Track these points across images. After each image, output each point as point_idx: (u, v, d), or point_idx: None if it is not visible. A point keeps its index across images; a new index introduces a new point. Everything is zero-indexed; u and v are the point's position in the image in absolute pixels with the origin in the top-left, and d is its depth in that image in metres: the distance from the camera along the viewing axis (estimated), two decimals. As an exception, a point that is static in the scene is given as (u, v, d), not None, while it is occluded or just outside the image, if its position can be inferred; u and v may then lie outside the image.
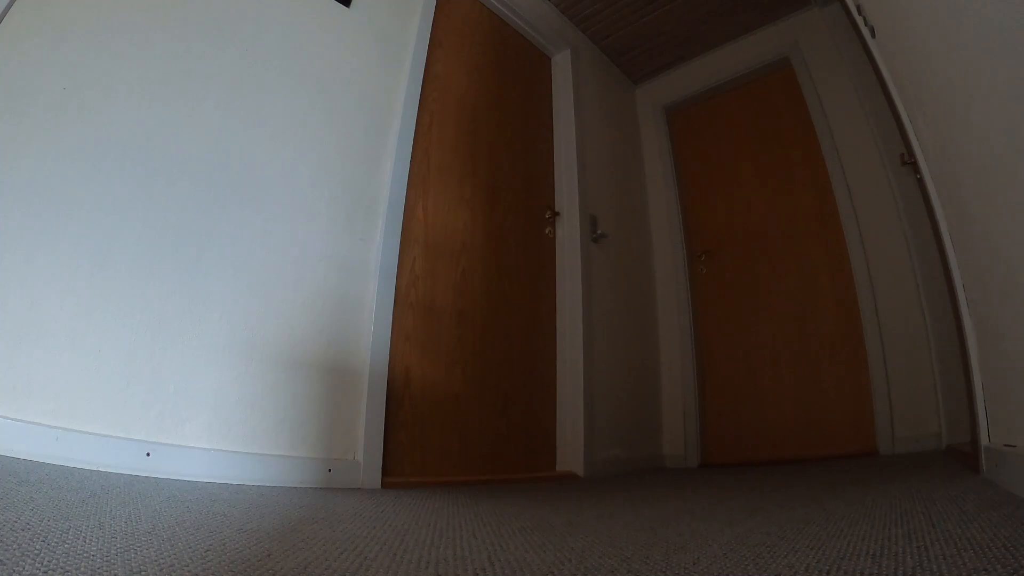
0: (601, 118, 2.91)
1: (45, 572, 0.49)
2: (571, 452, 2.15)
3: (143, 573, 0.52)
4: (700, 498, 1.29)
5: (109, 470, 1.04)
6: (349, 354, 1.52)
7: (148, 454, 1.11)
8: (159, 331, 1.20)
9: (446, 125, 2.09)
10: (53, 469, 0.95)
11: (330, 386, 1.46)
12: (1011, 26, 0.75)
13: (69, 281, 1.11)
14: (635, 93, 3.39)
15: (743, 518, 0.93)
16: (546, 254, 2.46)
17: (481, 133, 2.25)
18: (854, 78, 2.48)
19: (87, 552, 0.56)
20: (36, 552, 0.54)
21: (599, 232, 2.57)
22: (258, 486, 1.21)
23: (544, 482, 1.84)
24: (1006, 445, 1.01)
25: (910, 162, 1.47)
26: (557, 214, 2.54)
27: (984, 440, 1.14)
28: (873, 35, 1.56)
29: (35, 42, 1.16)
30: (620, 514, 1.05)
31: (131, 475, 1.05)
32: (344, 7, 1.78)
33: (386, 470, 1.53)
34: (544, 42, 2.77)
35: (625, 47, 3.11)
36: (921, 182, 1.41)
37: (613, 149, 2.95)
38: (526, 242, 2.36)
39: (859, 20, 1.63)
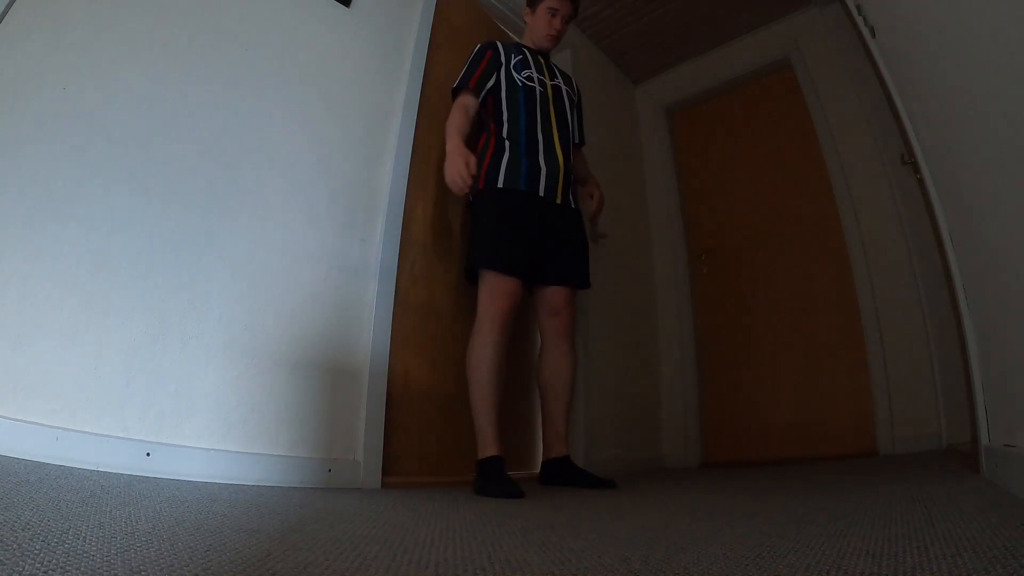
0: (601, 118, 2.91)
1: (45, 572, 0.49)
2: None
3: (143, 573, 0.52)
4: (700, 498, 1.29)
5: (109, 470, 1.04)
6: (349, 354, 1.52)
7: (148, 454, 1.11)
8: (159, 331, 1.20)
9: (446, 125, 2.08)
10: (53, 469, 0.95)
11: (330, 386, 1.46)
12: (1011, 26, 0.75)
13: (69, 281, 1.11)
14: (635, 93, 3.39)
15: (743, 518, 0.93)
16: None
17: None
18: (854, 78, 2.48)
19: (87, 552, 0.56)
20: (36, 552, 0.54)
21: (599, 232, 2.57)
22: (258, 486, 1.21)
23: (544, 482, 1.84)
24: (1006, 445, 1.00)
25: (910, 162, 1.47)
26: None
27: (984, 440, 1.14)
28: (873, 35, 1.56)
29: (35, 42, 1.16)
30: (620, 514, 1.05)
31: (131, 475, 1.05)
32: (344, 7, 1.78)
33: (386, 470, 1.53)
34: (544, 42, 2.77)
35: (625, 47, 3.11)
36: (921, 182, 1.41)
37: (613, 149, 2.95)
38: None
39: (859, 20, 1.63)
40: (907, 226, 2.21)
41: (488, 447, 1.51)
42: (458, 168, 1.62)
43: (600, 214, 2.11)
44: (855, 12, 1.66)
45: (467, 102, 1.80)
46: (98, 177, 1.18)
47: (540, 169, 1.73)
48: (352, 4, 1.80)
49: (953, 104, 1.07)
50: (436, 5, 2.13)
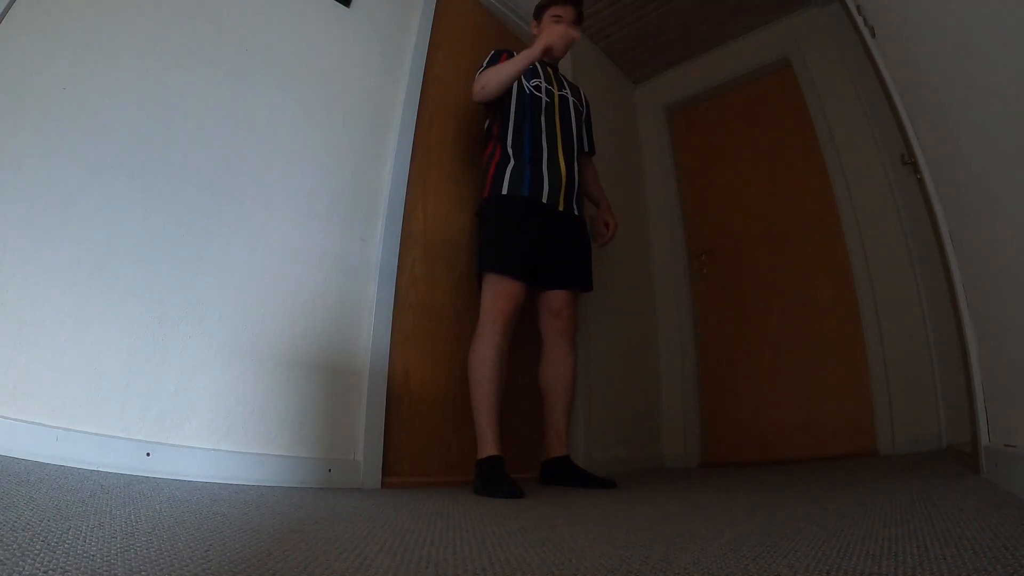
0: (601, 118, 2.90)
1: (45, 572, 0.49)
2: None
3: (143, 573, 0.52)
4: (700, 498, 1.29)
5: (109, 470, 1.04)
6: (349, 354, 1.52)
7: (148, 454, 1.11)
8: (159, 331, 1.20)
9: (446, 125, 2.08)
10: (53, 469, 0.95)
11: (330, 386, 1.46)
12: (1011, 26, 0.76)
13: (69, 281, 1.11)
14: (635, 93, 3.39)
15: (743, 518, 0.93)
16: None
17: (480, 133, 2.25)
18: (854, 78, 2.48)
19: (87, 552, 0.56)
20: (36, 552, 0.54)
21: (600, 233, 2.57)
22: (258, 486, 1.21)
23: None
24: (1006, 445, 1.01)
25: (910, 162, 1.47)
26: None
27: (984, 440, 1.14)
28: (873, 35, 1.56)
29: (35, 42, 1.16)
30: (620, 514, 1.05)
31: (131, 475, 1.05)
32: (344, 7, 1.78)
33: (386, 470, 1.53)
34: (544, 42, 2.77)
35: (625, 47, 3.11)
36: (921, 182, 1.42)
37: (613, 149, 2.95)
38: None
39: (859, 20, 1.63)
40: (907, 226, 2.21)
41: (488, 447, 1.52)
42: (558, 32, 1.76)
43: (610, 242, 2.13)
44: (855, 12, 1.66)
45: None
46: (98, 177, 1.18)
47: (543, 178, 1.77)
48: (352, 4, 1.80)
49: (953, 104, 1.07)
50: (436, 5, 2.13)
